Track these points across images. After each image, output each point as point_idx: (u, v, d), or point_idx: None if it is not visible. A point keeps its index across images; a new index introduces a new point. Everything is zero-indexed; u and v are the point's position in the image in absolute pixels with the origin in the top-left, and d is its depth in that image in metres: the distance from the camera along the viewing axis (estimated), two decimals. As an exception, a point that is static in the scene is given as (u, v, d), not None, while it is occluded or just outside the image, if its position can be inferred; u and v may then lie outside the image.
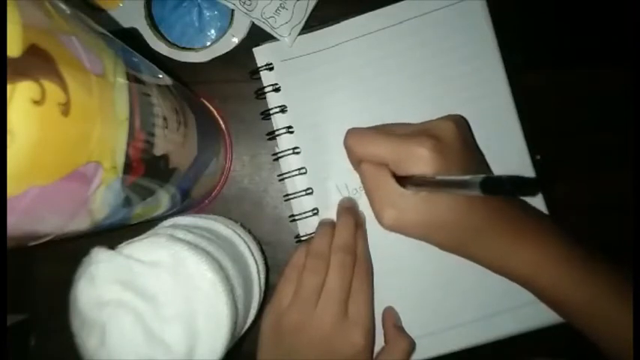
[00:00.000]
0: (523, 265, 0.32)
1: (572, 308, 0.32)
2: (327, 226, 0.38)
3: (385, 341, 0.37)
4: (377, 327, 0.37)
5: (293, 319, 0.35)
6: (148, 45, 0.40)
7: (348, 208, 0.38)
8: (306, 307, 0.34)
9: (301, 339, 0.34)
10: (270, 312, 0.36)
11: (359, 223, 0.38)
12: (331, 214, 0.39)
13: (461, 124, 0.34)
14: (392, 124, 0.36)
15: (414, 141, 0.31)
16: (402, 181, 0.32)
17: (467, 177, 0.25)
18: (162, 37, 0.40)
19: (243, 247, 0.36)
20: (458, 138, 0.32)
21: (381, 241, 0.38)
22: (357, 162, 0.35)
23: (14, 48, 0.15)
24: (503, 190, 0.23)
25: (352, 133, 0.35)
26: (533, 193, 0.37)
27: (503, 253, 0.32)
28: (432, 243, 0.33)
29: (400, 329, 0.37)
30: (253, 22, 0.40)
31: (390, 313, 0.38)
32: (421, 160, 0.30)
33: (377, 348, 0.37)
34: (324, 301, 0.34)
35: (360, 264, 0.36)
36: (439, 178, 0.29)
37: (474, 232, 0.32)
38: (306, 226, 0.40)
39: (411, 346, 0.37)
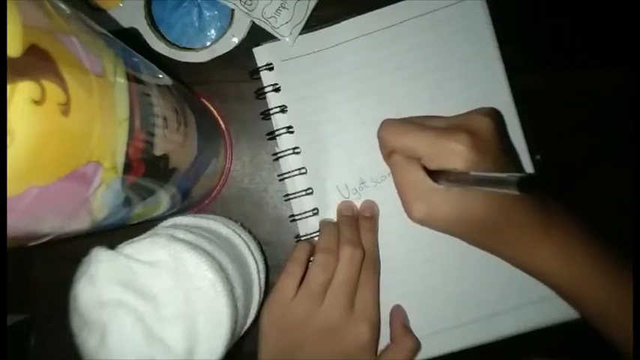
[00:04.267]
0: (547, 261, 0.32)
1: (593, 305, 0.32)
2: (332, 224, 0.38)
3: (391, 339, 0.37)
4: (381, 324, 0.37)
5: (299, 313, 0.35)
6: (148, 45, 0.40)
7: (349, 215, 0.38)
8: (314, 300, 0.34)
9: (307, 332, 0.34)
10: (272, 306, 0.36)
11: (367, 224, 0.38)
12: (331, 214, 0.39)
13: (497, 119, 0.33)
14: (426, 116, 0.36)
15: (450, 136, 0.31)
16: (434, 175, 0.32)
17: (504, 175, 0.25)
18: (162, 37, 0.40)
19: (243, 247, 0.36)
20: (494, 135, 0.32)
21: (381, 240, 0.38)
22: (388, 153, 0.35)
23: (14, 48, 0.15)
24: (539, 188, 0.23)
25: (387, 124, 0.35)
26: (568, 192, 0.37)
27: (528, 248, 0.33)
28: (459, 237, 0.33)
29: (407, 328, 0.37)
30: (253, 22, 0.40)
31: (398, 312, 0.38)
32: (457, 156, 0.30)
33: (381, 345, 0.37)
34: (332, 294, 0.34)
35: (367, 258, 0.36)
36: (474, 174, 0.28)
37: (504, 228, 0.32)
38: (306, 226, 0.40)
39: (417, 346, 0.37)
